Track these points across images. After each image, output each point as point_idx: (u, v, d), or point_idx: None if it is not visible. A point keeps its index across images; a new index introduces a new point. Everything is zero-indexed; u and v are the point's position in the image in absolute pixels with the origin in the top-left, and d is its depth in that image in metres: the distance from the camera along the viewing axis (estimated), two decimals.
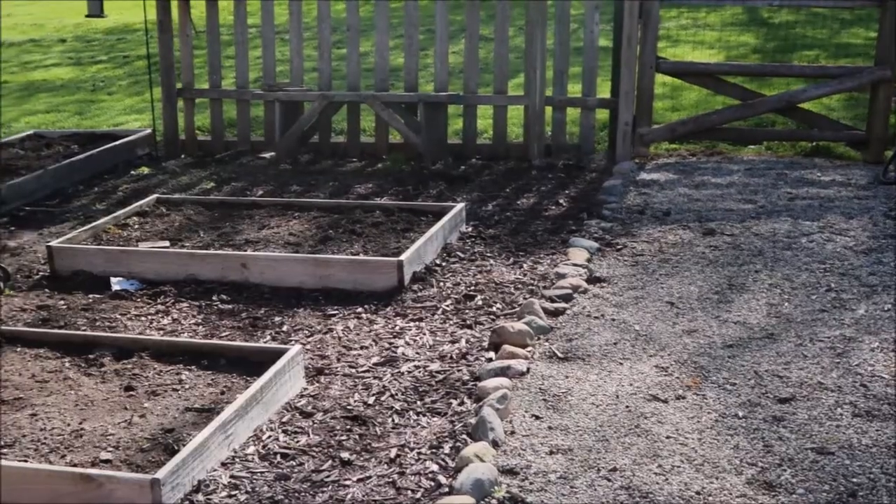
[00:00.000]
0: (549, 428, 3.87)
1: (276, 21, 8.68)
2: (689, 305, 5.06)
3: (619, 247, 5.97)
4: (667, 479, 3.50)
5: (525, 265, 5.73)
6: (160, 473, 3.33)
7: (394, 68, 9.57)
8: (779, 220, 6.39)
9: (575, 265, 5.58)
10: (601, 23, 8.16)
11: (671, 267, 5.63)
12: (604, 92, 8.57)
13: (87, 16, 19.04)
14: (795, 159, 8.03)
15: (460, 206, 6.45)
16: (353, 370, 4.44)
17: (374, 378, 4.35)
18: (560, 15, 8.10)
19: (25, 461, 3.57)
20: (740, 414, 3.95)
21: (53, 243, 5.87)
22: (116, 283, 5.55)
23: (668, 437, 3.78)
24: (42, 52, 15.37)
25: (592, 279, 5.45)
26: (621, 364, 4.42)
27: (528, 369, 4.35)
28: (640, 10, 7.78)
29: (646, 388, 4.18)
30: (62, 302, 5.35)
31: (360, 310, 5.13)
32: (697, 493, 3.40)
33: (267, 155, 8.57)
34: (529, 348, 4.57)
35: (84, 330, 4.89)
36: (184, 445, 3.56)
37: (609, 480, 3.49)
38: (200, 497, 3.46)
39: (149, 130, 8.99)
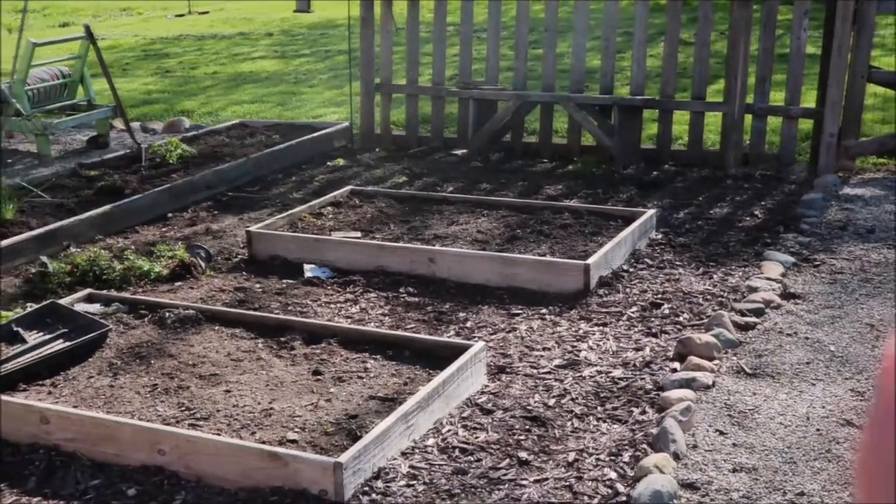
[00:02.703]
0: (734, 445, 3.75)
1: (474, 20, 8.76)
2: (891, 329, 4.80)
3: (816, 263, 5.73)
4: None
5: (715, 276, 5.57)
6: (343, 457, 3.41)
7: (589, 70, 9.49)
8: None
9: (768, 279, 5.39)
10: (809, 29, 7.85)
11: (873, 287, 5.36)
12: (808, 101, 8.25)
13: (296, 10, 19.75)
14: None
15: (651, 212, 6.33)
16: (535, 371, 4.43)
17: (556, 380, 4.33)
18: (766, 19, 7.84)
19: (219, 434, 3.73)
20: None
21: (252, 228, 6.12)
22: (309, 270, 5.73)
23: None
24: (250, 45, 16.05)
25: (786, 295, 5.25)
26: (813, 385, 4.24)
27: (714, 383, 4.23)
28: (854, 16, 7.44)
29: (839, 412, 3.99)
30: (258, 285, 5.56)
31: (544, 311, 5.11)
32: None
33: (459, 152, 8.66)
34: (716, 361, 4.44)
35: (277, 313, 5.07)
36: (366, 432, 3.64)
37: None
38: (380, 483, 3.52)
39: (346, 123, 9.24)
